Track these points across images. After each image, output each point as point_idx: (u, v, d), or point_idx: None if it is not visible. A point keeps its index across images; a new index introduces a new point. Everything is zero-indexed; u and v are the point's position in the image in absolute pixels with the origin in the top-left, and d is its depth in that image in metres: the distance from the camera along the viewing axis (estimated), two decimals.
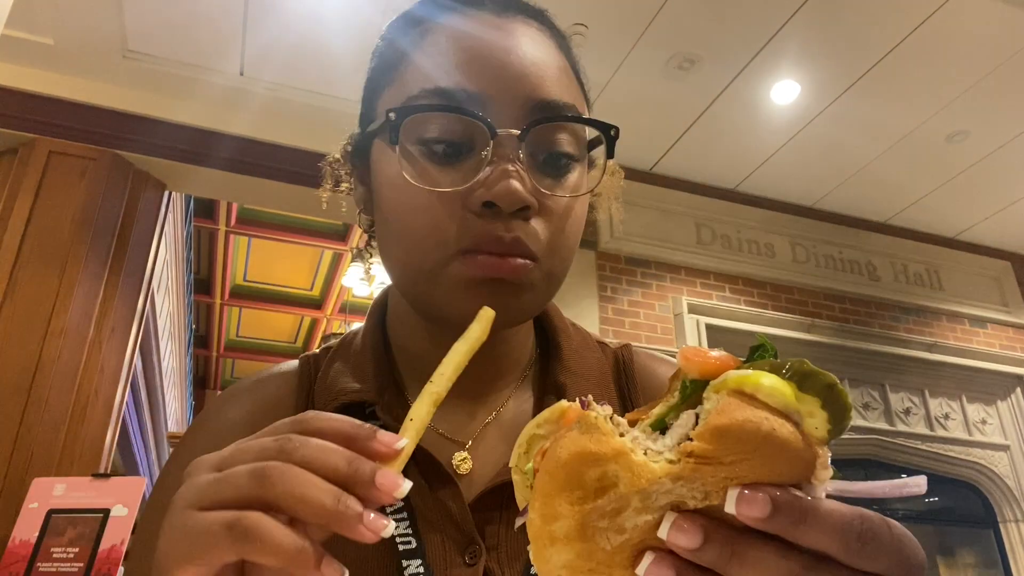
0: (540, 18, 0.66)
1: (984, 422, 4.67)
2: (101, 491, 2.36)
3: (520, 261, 0.57)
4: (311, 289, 6.99)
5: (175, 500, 0.37)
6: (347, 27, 3.00)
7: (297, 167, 3.30)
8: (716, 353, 0.36)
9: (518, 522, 0.38)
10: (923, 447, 4.40)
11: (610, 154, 0.61)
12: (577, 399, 0.38)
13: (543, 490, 0.34)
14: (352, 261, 5.82)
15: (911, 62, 3.43)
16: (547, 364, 0.71)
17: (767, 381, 0.33)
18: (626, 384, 0.72)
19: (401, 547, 0.58)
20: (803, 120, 3.84)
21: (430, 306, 0.61)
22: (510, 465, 0.40)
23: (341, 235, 5.97)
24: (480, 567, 0.58)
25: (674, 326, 3.96)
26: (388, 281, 0.71)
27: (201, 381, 8.76)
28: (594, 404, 0.36)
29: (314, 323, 7.61)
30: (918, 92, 3.65)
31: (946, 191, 4.43)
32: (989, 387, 4.75)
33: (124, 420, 3.69)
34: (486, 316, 0.45)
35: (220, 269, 6.52)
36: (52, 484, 2.38)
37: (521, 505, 0.40)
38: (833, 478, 0.34)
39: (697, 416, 0.34)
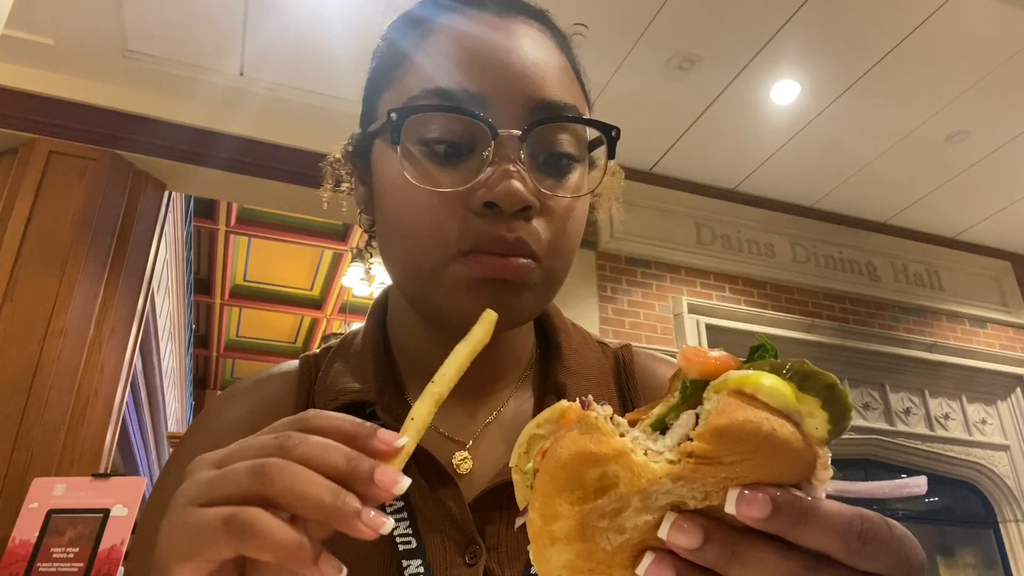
0: (541, 19, 0.66)
1: (984, 422, 4.67)
2: (101, 491, 2.36)
3: (522, 261, 0.57)
4: (311, 289, 6.99)
5: (175, 497, 0.37)
6: (347, 27, 3.00)
7: (297, 167, 3.31)
8: (716, 353, 0.36)
9: (518, 522, 0.38)
10: (923, 447, 4.40)
11: (611, 155, 0.62)
12: (577, 399, 0.38)
13: (543, 490, 0.34)
14: (352, 261, 5.82)
15: (911, 62, 3.43)
16: (547, 364, 0.71)
17: (767, 381, 0.33)
18: (626, 384, 0.72)
19: (401, 547, 0.58)
20: (803, 120, 3.84)
21: (431, 306, 0.61)
22: (510, 465, 0.40)
23: (341, 235, 5.97)
24: (480, 567, 0.58)
25: (674, 326, 3.96)
26: (388, 281, 0.71)
27: (201, 381, 8.76)
28: (594, 404, 0.36)
29: (314, 323, 7.61)
30: (918, 92, 3.65)
31: (946, 191, 4.43)
32: (989, 387, 4.75)
33: (124, 420, 3.69)
34: (489, 318, 0.45)
35: (220, 269, 6.52)
36: (52, 484, 2.38)
37: (521, 505, 0.40)
38: (833, 478, 0.34)
39: (697, 416, 0.34)
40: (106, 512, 2.31)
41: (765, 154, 4.13)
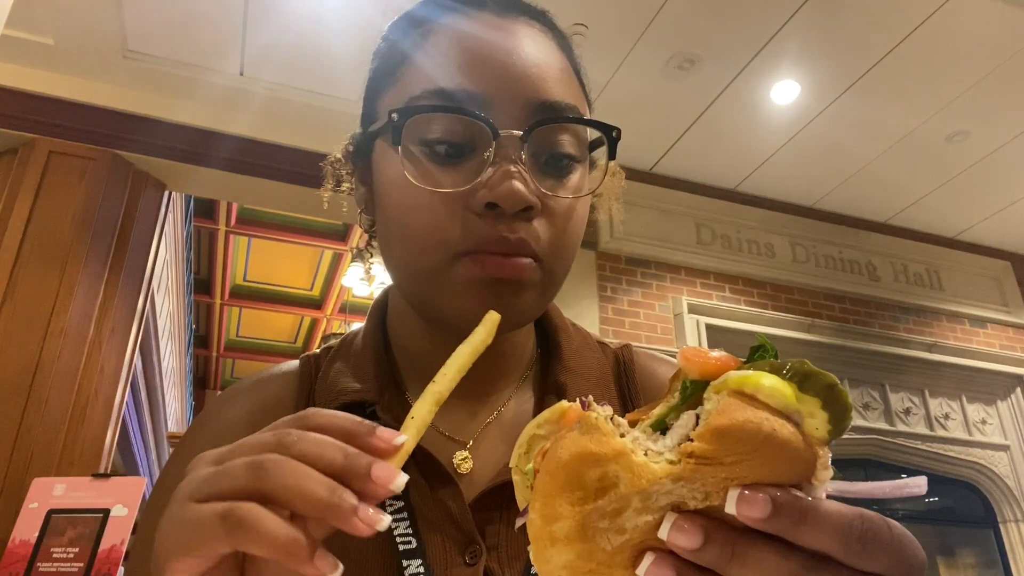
0: (542, 19, 0.66)
1: (984, 422, 4.67)
2: (101, 491, 2.36)
3: (524, 261, 0.57)
4: (311, 289, 6.99)
5: (175, 494, 0.37)
6: (347, 27, 3.00)
7: (297, 167, 3.31)
8: (716, 353, 0.36)
9: (518, 522, 0.38)
10: (923, 447, 4.40)
11: (612, 155, 0.62)
12: (577, 399, 0.38)
13: (544, 490, 0.34)
14: (352, 261, 5.83)
15: (911, 62, 3.43)
16: (548, 364, 0.71)
17: (767, 382, 0.33)
18: (626, 384, 0.72)
19: (401, 547, 0.58)
20: (803, 120, 3.84)
21: (431, 307, 0.61)
22: (510, 465, 0.40)
23: (341, 235, 5.97)
24: (480, 567, 0.58)
25: (674, 326, 3.96)
26: (388, 281, 0.71)
27: (201, 381, 8.76)
28: (594, 404, 0.36)
29: (314, 323, 7.61)
30: (918, 92, 3.65)
31: (946, 191, 4.44)
32: (989, 387, 4.75)
33: (124, 420, 3.69)
34: (491, 320, 0.45)
35: (220, 269, 6.52)
36: (52, 484, 2.38)
37: (521, 505, 0.40)
38: (833, 478, 0.34)
39: (697, 417, 0.34)
40: (106, 512, 2.31)
41: (765, 154, 4.13)
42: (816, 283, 4.46)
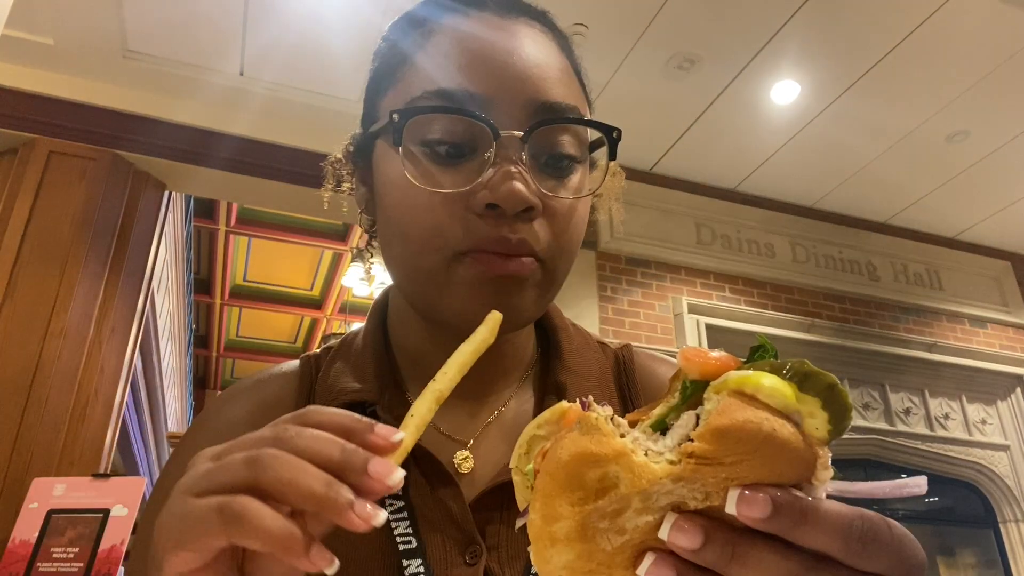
0: (542, 19, 0.66)
1: (984, 422, 4.67)
2: (101, 491, 2.36)
3: (524, 260, 0.57)
4: (311, 289, 6.99)
5: (174, 489, 0.38)
6: (347, 27, 3.00)
7: (297, 167, 3.31)
8: (716, 354, 0.36)
9: (519, 523, 0.38)
10: (923, 447, 4.40)
11: (612, 156, 0.62)
12: (578, 400, 0.38)
13: (544, 491, 0.34)
14: (352, 261, 5.83)
15: (911, 62, 3.43)
16: (548, 364, 0.71)
17: (767, 382, 0.33)
18: (626, 384, 0.72)
19: (401, 547, 0.58)
20: (803, 120, 3.84)
21: (432, 307, 0.61)
22: (511, 466, 0.40)
23: (341, 235, 5.97)
24: (480, 567, 0.58)
25: (674, 326, 3.96)
26: (388, 281, 0.71)
27: (201, 381, 8.76)
28: (595, 405, 0.36)
29: (314, 323, 7.61)
30: (918, 92, 3.65)
31: (946, 191, 4.44)
32: (989, 387, 4.75)
33: (124, 420, 3.69)
34: (493, 319, 0.45)
35: (220, 269, 6.52)
36: (52, 484, 2.38)
37: (522, 506, 0.40)
38: (833, 478, 0.34)
39: (698, 417, 0.34)
40: (106, 512, 2.31)
41: (765, 154, 4.13)
42: (816, 283, 4.46)
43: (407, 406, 0.65)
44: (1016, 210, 4.65)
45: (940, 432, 4.49)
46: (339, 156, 0.71)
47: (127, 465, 4.79)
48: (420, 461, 0.61)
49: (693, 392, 0.36)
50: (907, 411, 4.47)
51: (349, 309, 7.05)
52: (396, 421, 0.40)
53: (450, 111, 0.57)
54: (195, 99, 3.29)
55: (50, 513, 2.31)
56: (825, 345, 4.27)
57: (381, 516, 0.35)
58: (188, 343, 6.51)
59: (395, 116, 0.57)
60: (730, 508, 0.32)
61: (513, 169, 0.56)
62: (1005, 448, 4.64)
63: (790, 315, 4.28)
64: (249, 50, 3.18)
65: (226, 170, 3.32)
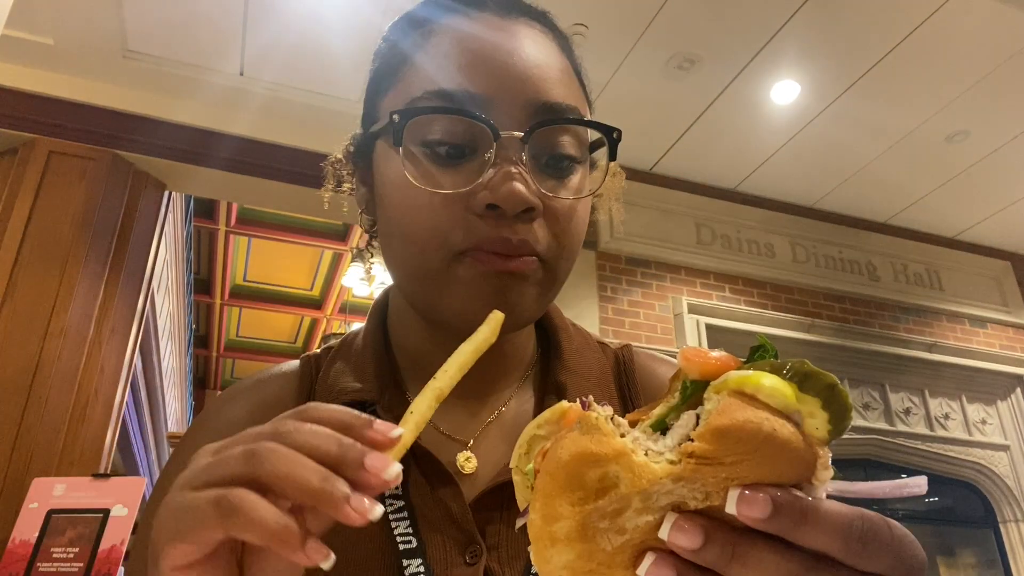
0: (543, 20, 0.66)
1: (984, 422, 4.67)
2: (101, 491, 2.36)
3: (526, 259, 0.57)
4: (311, 289, 6.99)
5: (173, 484, 0.38)
6: (347, 27, 3.00)
7: (297, 167, 3.31)
8: (717, 353, 0.36)
9: (519, 522, 0.38)
10: (923, 447, 4.40)
11: (612, 156, 0.62)
12: (578, 400, 0.38)
13: (544, 491, 0.34)
14: (352, 261, 5.83)
15: (911, 62, 3.43)
16: (548, 364, 0.71)
17: (768, 382, 0.33)
18: (626, 384, 0.72)
19: (402, 546, 0.58)
20: (803, 120, 3.84)
21: (433, 307, 0.61)
22: (511, 465, 0.40)
23: (341, 235, 5.97)
24: (481, 567, 0.58)
25: (674, 326, 3.96)
26: (388, 281, 0.71)
27: (201, 381, 8.76)
28: (595, 405, 0.36)
29: (314, 323, 7.61)
30: (918, 92, 3.65)
31: (946, 191, 4.44)
32: (989, 387, 4.75)
33: (124, 420, 3.69)
34: (495, 318, 0.45)
35: (220, 269, 6.52)
36: (52, 484, 2.38)
37: (522, 506, 0.40)
38: (834, 478, 0.34)
39: (698, 417, 0.34)
40: (106, 512, 2.31)
41: (765, 154, 4.13)
42: (816, 283, 4.46)
43: (407, 406, 0.64)
44: (1016, 210, 4.65)
45: (940, 432, 4.49)
46: (339, 156, 0.71)
47: (127, 465, 4.79)
48: (420, 461, 0.61)
49: (693, 392, 0.36)
50: (907, 411, 4.47)
51: (349, 309, 7.05)
52: (396, 420, 0.40)
53: (450, 112, 0.57)
54: (195, 99, 3.29)
55: (50, 513, 2.31)
56: (825, 345, 4.27)
57: (377, 510, 0.35)
58: (188, 343, 6.51)
59: (395, 117, 0.57)
60: (730, 508, 0.32)
61: (513, 170, 0.56)
62: (1005, 448, 4.64)
63: (790, 315, 4.28)
64: (249, 50, 3.18)
65: (226, 170, 3.32)
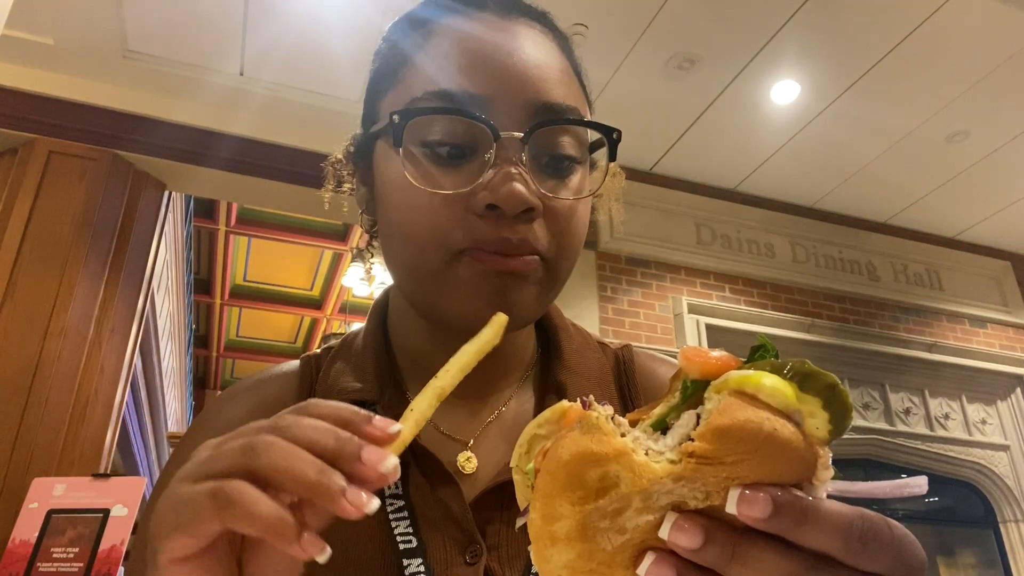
0: (543, 20, 0.66)
1: (984, 422, 4.67)
2: (101, 491, 2.36)
3: (527, 258, 0.57)
4: (311, 289, 6.99)
5: (174, 478, 0.38)
6: (347, 27, 3.00)
7: (297, 167, 3.31)
8: (717, 353, 0.36)
9: (519, 522, 0.38)
10: (923, 447, 4.40)
11: (612, 157, 0.62)
12: (578, 399, 0.38)
13: (544, 490, 0.34)
14: (352, 261, 5.83)
15: (911, 62, 3.43)
16: (548, 364, 0.71)
17: (768, 381, 0.33)
18: (627, 384, 0.72)
19: (402, 546, 0.58)
20: (803, 120, 3.84)
21: (433, 307, 0.61)
22: (511, 465, 0.40)
23: (341, 235, 5.97)
24: (481, 566, 0.58)
25: (674, 326, 3.96)
26: (388, 281, 0.71)
27: (201, 381, 8.76)
28: (595, 404, 0.36)
29: (314, 323, 7.61)
30: (918, 92, 3.65)
31: (946, 191, 4.44)
32: (989, 387, 4.75)
33: (124, 420, 3.69)
34: (499, 321, 0.45)
35: (220, 269, 6.52)
36: (52, 484, 2.38)
37: (522, 505, 0.39)
38: (834, 478, 0.34)
39: (698, 416, 0.34)
40: (106, 512, 2.31)
41: (765, 154, 4.13)
42: (816, 283, 4.46)
43: (407, 405, 0.65)
44: (1016, 210, 4.65)
45: (940, 432, 4.49)
46: (339, 156, 0.71)
47: (127, 465, 4.79)
48: (421, 460, 0.62)
49: (694, 392, 0.36)
50: (907, 411, 4.47)
51: (349, 309, 7.05)
52: (396, 419, 0.40)
53: (450, 112, 0.57)
54: (195, 99, 3.29)
55: (50, 513, 2.31)
56: (825, 345, 4.27)
57: (374, 504, 0.35)
58: (188, 343, 6.51)
59: (395, 117, 0.57)
60: (731, 508, 0.32)
61: (513, 170, 0.56)
62: (1005, 448, 4.64)
63: (790, 315, 4.28)
64: (249, 50, 3.18)
65: (226, 170, 3.32)
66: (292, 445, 0.35)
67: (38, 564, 2.23)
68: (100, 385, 2.86)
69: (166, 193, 3.40)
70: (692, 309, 4.00)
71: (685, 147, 4.02)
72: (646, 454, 0.33)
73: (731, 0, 3.13)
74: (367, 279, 5.40)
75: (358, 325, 0.77)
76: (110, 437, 2.88)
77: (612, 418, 0.35)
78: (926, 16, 3.20)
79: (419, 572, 0.57)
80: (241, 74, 3.29)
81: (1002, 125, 3.89)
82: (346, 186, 0.71)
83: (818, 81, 3.60)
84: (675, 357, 0.42)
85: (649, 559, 0.33)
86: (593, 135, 0.63)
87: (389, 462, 0.35)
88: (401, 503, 0.60)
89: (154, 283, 3.47)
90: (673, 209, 4.22)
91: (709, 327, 3.97)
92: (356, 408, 0.38)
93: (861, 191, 4.45)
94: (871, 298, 4.60)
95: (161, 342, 4.67)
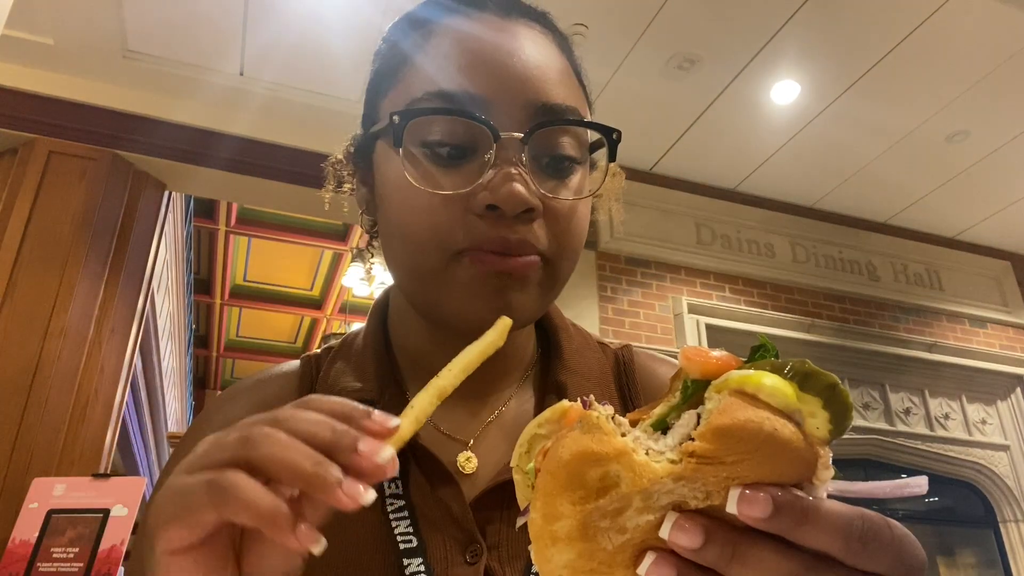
0: (542, 20, 0.66)
1: (984, 422, 4.67)
2: (101, 491, 2.36)
3: (527, 258, 0.57)
4: (311, 289, 6.99)
5: (174, 470, 0.38)
6: (347, 27, 3.00)
7: (297, 167, 3.31)
8: (717, 353, 0.36)
9: (519, 522, 0.38)
10: (923, 447, 4.40)
11: (612, 157, 0.62)
12: (579, 399, 0.38)
13: (545, 490, 0.34)
14: (352, 261, 5.83)
15: (911, 62, 3.43)
16: (548, 364, 0.71)
17: (769, 381, 0.33)
18: (627, 384, 0.72)
19: (402, 546, 0.58)
20: (803, 120, 3.84)
21: (433, 306, 0.61)
22: (511, 465, 0.40)
23: (341, 235, 5.97)
24: (481, 566, 0.58)
25: (674, 326, 3.96)
26: (388, 281, 0.71)
27: (201, 381, 8.76)
28: (596, 404, 0.36)
29: (314, 323, 7.61)
30: (918, 92, 3.65)
31: (946, 191, 4.44)
32: (989, 387, 4.75)
33: (124, 420, 3.69)
34: (503, 324, 0.45)
35: (220, 269, 6.52)
36: (52, 484, 2.38)
37: (522, 505, 0.40)
38: (834, 478, 0.34)
39: (699, 416, 0.34)
40: (106, 512, 2.31)
41: (765, 154, 4.13)
42: (816, 283, 4.46)
43: (407, 405, 0.65)
44: (1016, 210, 4.65)
45: (940, 432, 4.49)
46: (340, 157, 0.71)
47: (127, 465, 4.79)
48: (421, 460, 0.62)
49: (694, 391, 0.36)
50: (907, 411, 4.47)
51: (349, 309, 7.05)
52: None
53: (450, 113, 0.57)
54: (195, 99, 3.29)
55: (50, 513, 2.31)
56: (825, 345, 4.27)
57: (370, 495, 0.34)
58: (188, 343, 6.51)
59: (395, 118, 0.57)
60: (731, 507, 0.32)
61: (513, 171, 0.56)
62: (1005, 448, 4.64)
63: (790, 315, 4.28)
64: (249, 50, 3.18)
65: (226, 170, 3.32)
66: (289, 437, 0.35)
67: (38, 564, 2.23)
68: (100, 385, 2.86)
69: (166, 193, 3.40)
70: (692, 309, 4.00)
71: (685, 147, 4.02)
72: (646, 454, 0.33)
73: (731, 0, 3.13)
74: (367, 279, 5.40)
75: (358, 325, 0.77)
76: (110, 437, 2.88)
77: (612, 418, 0.35)
78: (926, 16, 3.20)
79: (419, 572, 0.57)
80: (241, 74, 3.29)
81: (1002, 125, 3.89)
82: (346, 186, 0.71)
83: (818, 81, 3.60)
84: (675, 357, 0.42)
85: (649, 559, 0.33)
86: (593, 135, 0.63)
87: (386, 453, 0.35)
88: (401, 503, 0.60)
89: (154, 283, 3.47)
90: (673, 209, 4.22)
91: (709, 327, 3.97)
92: (355, 403, 0.38)
93: (861, 191, 4.45)
94: (871, 298, 4.60)
95: (161, 342, 4.67)
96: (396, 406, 0.64)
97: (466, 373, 0.42)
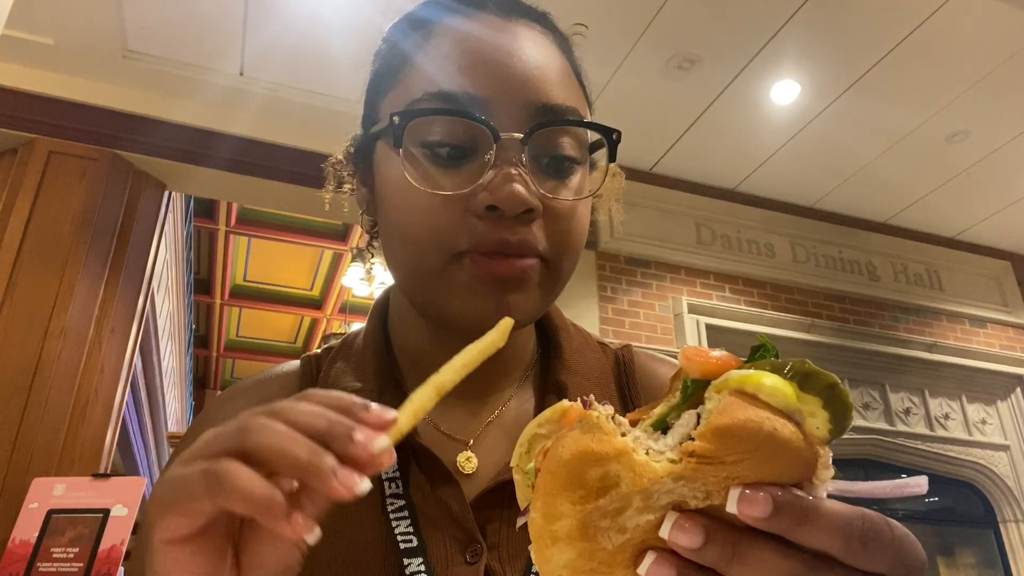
0: (542, 21, 0.66)
1: (984, 422, 4.67)
2: (101, 491, 2.36)
3: (527, 261, 0.57)
4: (311, 289, 6.99)
5: (175, 463, 0.38)
6: (347, 27, 3.00)
7: (297, 167, 3.31)
8: (717, 353, 0.36)
9: (520, 521, 0.38)
10: (923, 447, 4.40)
11: (612, 157, 0.62)
12: (579, 399, 0.38)
13: (545, 489, 0.34)
14: (352, 261, 5.83)
15: (911, 62, 3.43)
16: (548, 364, 0.71)
17: (769, 381, 0.33)
18: (627, 384, 0.72)
19: (402, 545, 0.58)
20: (803, 120, 3.84)
21: (434, 307, 0.61)
22: (511, 464, 0.40)
23: (341, 235, 5.97)
24: (481, 566, 0.58)
25: (674, 326, 3.96)
26: (388, 281, 0.71)
27: (201, 381, 8.76)
28: (596, 404, 0.36)
29: (314, 323, 7.61)
30: (918, 92, 3.65)
31: (946, 191, 4.44)
32: (989, 387, 4.75)
33: (124, 420, 3.69)
34: (504, 324, 0.45)
35: (220, 269, 6.52)
36: (52, 484, 2.38)
37: (523, 504, 0.40)
38: (834, 478, 0.34)
39: (699, 416, 0.34)
40: (106, 512, 2.31)
41: (765, 154, 4.13)
42: (816, 283, 4.46)
43: None
44: (1016, 210, 4.65)
45: (940, 432, 4.49)
46: (340, 157, 0.71)
47: (127, 465, 4.79)
48: (421, 460, 0.62)
49: (694, 391, 0.36)
50: (907, 411, 4.47)
51: (349, 309, 7.05)
52: None
53: (450, 113, 0.57)
54: (195, 99, 3.29)
55: (50, 513, 2.31)
56: (825, 345, 4.27)
57: (365, 484, 0.34)
58: (188, 343, 6.51)
59: (395, 118, 0.57)
60: (731, 507, 0.32)
61: (513, 171, 0.56)
62: (1005, 448, 4.64)
63: (790, 315, 4.28)
64: (249, 50, 3.18)
65: (226, 170, 3.32)
66: (286, 427, 0.35)
67: (38, 564, 2.23)
68: (100, 385, 2.86)
69: (166, 193, 3.40)
70: (692, 309, 4.00)
71: (685, 147, 4.02)
72: (647, 453, 0.33)
73: (731, 0, 3.13)
74: (367, 279, 5.40)
75: (358, 325, 0.77)
76: (110, 437, 2.88)
77: (612, 418, 0.35)
78: (926, 16, 3.20)
79: (419, 571, 0.57)
80: (241, 74, 3.29)
81: (1002, 125, 3.89)
82: (346, 187, 0.71)
83: (818, 81, 3.60)
84: (675, 357, 0.42)
85: (649, 558, 0.33)
86: (593, 136, 0.63)
87: (381, 442, 0.35)
88: (402, 502, 0.60)
89: (154, 283, 3.47)
90: (673, 209, 4.22)
91: (709, 327, 3.97)
92: (353, 397, 0.38)
93: (861, 191, 4.45)
94: (871, 298, 4.60)
95: (161, 342, 4.67)
96: (396, 405, 0.64)
97: (466, 371, 0.41)
